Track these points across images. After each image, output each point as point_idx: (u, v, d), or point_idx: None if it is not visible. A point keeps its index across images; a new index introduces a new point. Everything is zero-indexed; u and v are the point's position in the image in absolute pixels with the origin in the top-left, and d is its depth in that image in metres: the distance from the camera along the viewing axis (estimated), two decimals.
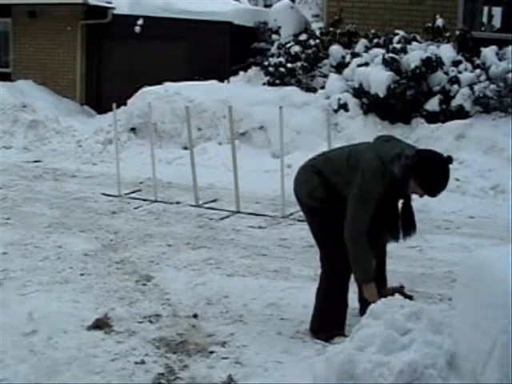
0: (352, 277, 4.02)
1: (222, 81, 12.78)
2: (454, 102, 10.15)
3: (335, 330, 3.99)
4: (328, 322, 4.03)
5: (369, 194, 3.73)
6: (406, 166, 3.66)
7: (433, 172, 3.65)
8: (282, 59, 12.12)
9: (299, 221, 7.20)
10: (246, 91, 11.72)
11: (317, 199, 4.01)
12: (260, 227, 6.98)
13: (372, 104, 10.58)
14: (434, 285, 5.21)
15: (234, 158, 7.76)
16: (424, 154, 3.75)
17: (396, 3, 12.23)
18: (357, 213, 3.76)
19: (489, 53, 10.50)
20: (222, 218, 7.29)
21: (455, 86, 10.26)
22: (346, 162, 3.90)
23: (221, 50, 13.84)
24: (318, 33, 12.61)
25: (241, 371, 3.62)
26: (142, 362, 3.70)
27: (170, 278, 5.16)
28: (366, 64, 10.89)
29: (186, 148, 10.28)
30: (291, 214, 7.44)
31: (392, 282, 5.26)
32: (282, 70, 11.94)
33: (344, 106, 10.70)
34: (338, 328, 4.01)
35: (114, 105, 8.80)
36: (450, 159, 3.67)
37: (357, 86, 10.74)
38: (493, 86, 9.96)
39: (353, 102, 10.73)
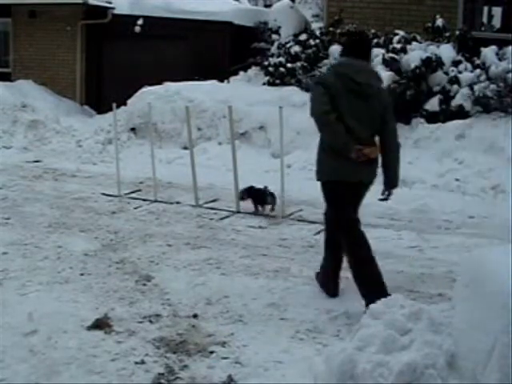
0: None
1: (222, 81, 12.78)
2: (454, 102, 10.14)
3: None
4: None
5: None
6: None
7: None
8: (281, 59, 12.12)
9: (299, 221, 7.21)
10: (246, 91, 11.71)
11: None
12: (260, 227, 6.97)
13: None
14: (434, 285, 5.21)
15: (234, 157, 7.76)
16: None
17: (396, 3, 12.23)
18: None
19: (489, 53, 10.49)
20: (221, 218, 7.28)
21: (455, 86, 10.25)
22: None
23: (221, 50, 13.85)
24: (318, 33, 12.60)
25: (241, 371, 3.62)
26: (142, 362, 3.70)
27: (170, 278, 5.16)
28: None
29: (186, 148, 10.28)
30: (291, 214, 7.44)
31: (392, 281, 5.28)
32: (281, 69, 11.94)
33: None
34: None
35: (114, 105, 8.79)
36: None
37: None
38: (493, 86, 9.95)
39: None
